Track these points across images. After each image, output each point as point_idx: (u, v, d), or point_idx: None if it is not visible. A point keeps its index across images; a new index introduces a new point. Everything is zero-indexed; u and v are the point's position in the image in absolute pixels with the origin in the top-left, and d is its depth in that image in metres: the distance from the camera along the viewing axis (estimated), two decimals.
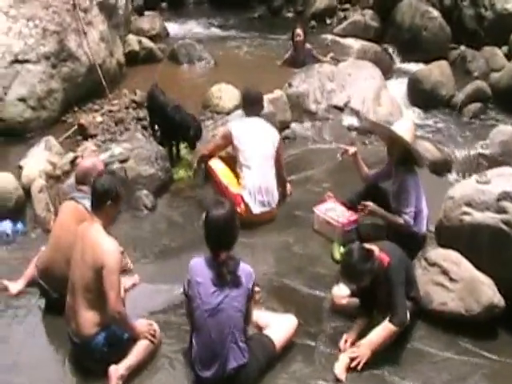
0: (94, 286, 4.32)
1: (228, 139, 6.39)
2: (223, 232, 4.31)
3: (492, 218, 4.93)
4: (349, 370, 4.49)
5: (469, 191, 5.18)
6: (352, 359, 4.51)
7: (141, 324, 4.56)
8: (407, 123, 5.89)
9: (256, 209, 6.23)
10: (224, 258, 4.27)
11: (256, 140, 6.31)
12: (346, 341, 4.68)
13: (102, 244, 4.34)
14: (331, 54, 10.52)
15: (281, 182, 6.54)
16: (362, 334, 4.67)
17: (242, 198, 6.20)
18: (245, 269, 4.31)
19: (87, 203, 4.93)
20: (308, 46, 10.36)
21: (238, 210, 5.81)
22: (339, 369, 4.48)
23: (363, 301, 4.89)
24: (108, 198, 4.47)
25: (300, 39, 10.22)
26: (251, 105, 6.54)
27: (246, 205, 6.19)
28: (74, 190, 5.46)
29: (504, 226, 4.85)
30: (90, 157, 6.22)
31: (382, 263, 4.64)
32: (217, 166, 6.59)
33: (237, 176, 6.42)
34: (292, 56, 10.38)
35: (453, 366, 4.61)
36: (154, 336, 4.55)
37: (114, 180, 4.69)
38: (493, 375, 4.57)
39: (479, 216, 5.02)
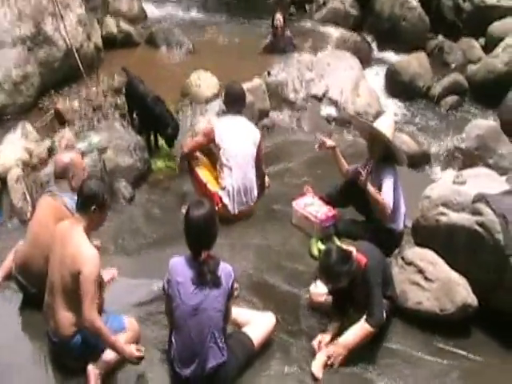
0: (71, 289, 4.28)
1: (210, 137, 6.33)
2: (203, 232, 4.31)
3: (467, 220, 5.01)
4: (325, 367, 4.56)
5: (445, 191, 5.26)
6: (328, 357, 4.57)
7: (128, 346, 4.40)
8: (388, 120, 5.89)
9: (234, 209, 6.24)
10: (204, 257, 4.28)
11: (238, 140, 6.27)
12: (320, 341, 4.72)
13: (82, 251, 4.27)
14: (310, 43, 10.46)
15: (259, 174, 6.52)
16: (337, 334, 4.73)
17: (220, 198, 6.19)
18: (225, 268, 4.33)
19: (65, 199, 4.92)
20: (288, 33, 10.30)
21: (216, 208, 5.75)
22: (316, 367, 4.55)
23: (337, 300, 4.94)
24: (93, 202, 4.38)
25: (279, 24, 10.15)
26: (234, 102, 6.47)
27: (225, 205, 6.19)
28: (52, 180, 5.43)
29: (479, 228, 4.92)
30: (69, 151, 6.15)
31: (360, 264, 4.69)
32: (198, 162, 6.50)
33: (216, 173, 6.38)
34: (272, 42, 10.30)
35: (427, 365, 4.70)
36: (140, 359, 4.36)
37: (102, 186, 4.56)
38: (467, 373, 4.67)
39: (455, 217, 5.10)
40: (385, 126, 5.63)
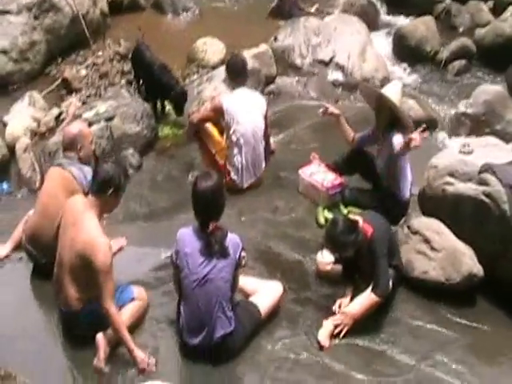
0: (80, 271, 4.31)
1: (218, 113, 6.22)
2: (211, 203, 4.35)
3: (474, 190, 5.01)
4: (332, 337, 4.62)
5: (452, 161, 5.26)
6: (335, 326, 4.64)
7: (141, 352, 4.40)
8: (395, 87, 5.84)
9: (244, 184, 6.24)
10: (212, 228, 4.32)
11: (248, 117, 6.15)
12: (340, 305, 4.79)
13: (94, 240, 4.25)
14: (316, 5, 10.39)
15: (267, 144, 6.46)
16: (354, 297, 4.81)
17: (228, 172, 6.18)
18: (232, 239, 4.37)
19: (74, 170, 4.96)
20: None
21: (224, 180, 5.76)
22: (323, 336, 4.60)
23: (345, 269, 5.00)
24: (110, 186, 4.36)
25: None
26: (237, 74, 6.34)
27: (232, 179, 6.19)
28: (60, 150, 5.46)
29: (485, 198, 4.93)
30: (77, 121, 6.17)
31: (366, 235, 4.72)
32: (206, 133, 6.43)
33: (223, 142, 6.33)
34: (278, 6, 10.24)
35: (433, 334, 4.73)
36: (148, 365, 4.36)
37: (119, 170, 4.50)
38: (472, 342, 4.71)
39: (461, 187, 5.10)
40: (392, 92, 5.61)
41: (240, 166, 6.18)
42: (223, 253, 4.31)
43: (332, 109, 6.08)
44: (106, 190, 4.38)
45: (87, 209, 4.39)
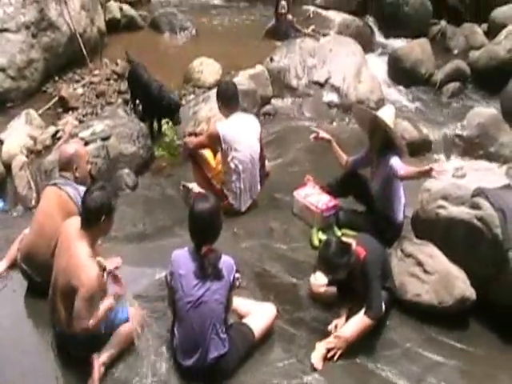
0: (69, 296, 4.32)
1: (215, 140, 6.15)
2: (208, 226, 4.38)
3: (467, 214, 5.05)
4: (325, 360, 4.63)
5: (445, 185, 5.32)
6: (328, 350, 4.66)
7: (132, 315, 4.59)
8: (389, 111, 5.89)
9: (242, 208, 6.27)
10: (206, 251, 4.34)
11: (245, 143, 6.14)
12: (335, 326, 4.83)
13: (83, 270, 4.25)
14: (312, 27, 10.49)
15: (262, 166, 6.47)
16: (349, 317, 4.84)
17: (226, 196, 6.19)
18: (226, 261, 4.39)
19: (70, 190, 4.98)
20: (289, 17, 10.33)
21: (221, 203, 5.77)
22: (316, 358, 4.62)
23: (340, 290, 5.03)
24: (102, 214, 4.38)
25: (284, 11, 10.19)
26: (230, 101, 6.23)
27: (231, 204, 6.21)
28: (55, 169, 5.49)
29: (478, 222, 4.97)
30: (73, 141, 6.22)
31: (359, 257, 4.76)
32: (201, 158, 6.43)
33: (218, 166, 6.36)
34: (274, 27, 10.36)
35: (425, 356, 4.76)
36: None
37: (105, 193, 4.47)
38: (464, 365, 4.74)
39: (454, 210, 5.14)
40: (386, 115, 5.66)
41: (239, 192, 6.20)
42: (217, 275, 4.33)
43: (323, 134, 6.15)
44: (97, 221, 4.39)
45: (79, 237, 4.38)
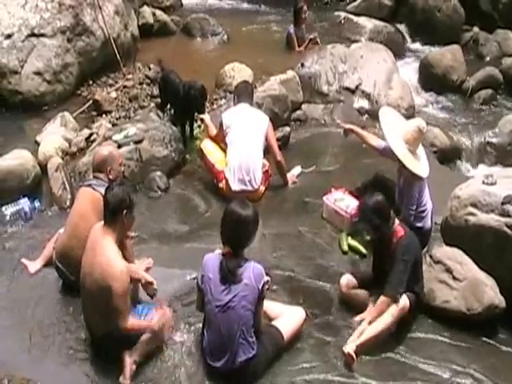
0: (98, 296, 4.44)
1: (220, 125, 6.75)
2: (245, 232, 4.41)
3: (496, 221, 5.06)
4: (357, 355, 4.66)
5: (475, 192, 5.30)
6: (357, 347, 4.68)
7: (159, 317, 4.69)
8: (416, 123, 5.78)
9: (235, 186, 6.52)
10: (236, 256, 4.39)
11: (242, 122, 6.64)
12: (362, 318, 4.91)
13: (112, 267, 4.37)
14: (315, 34, 10.43)
15: (278, 168, 6.85)
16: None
17: (224, 174, 6.56)
18: (255, 268, 4.39)
19: (103, 191, 5.08)
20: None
21: (220, 185, 6.49)
22: (349, 348, 4.66)
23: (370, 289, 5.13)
24: (123, 207, 4.52)
25: (307, 16, 10.25)
26: (239, 95, 6.87)
27: (227, 181, 6.52)
28: (89, 170, 5.59)
29: (508, 230, 4.98)
30: (107, 144, 6.33)
31: (396, 233, 4.88)
32: (206, 145, 6.88)
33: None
34: (295, 33, 10.31)
35: (453, 362, 4.76)
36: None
37: (125, 188, 4.69)
38: (492, 372, 4.72)
39: (484, 217, 5.15)
40: (409, 128, 5.63)
41: (233, 165, 6.54)
42: (245, 281, 4.34)
43: (344, 125, 6.46)
44: (119, 215, 4.52)
45: (105, 235, 4.51)
